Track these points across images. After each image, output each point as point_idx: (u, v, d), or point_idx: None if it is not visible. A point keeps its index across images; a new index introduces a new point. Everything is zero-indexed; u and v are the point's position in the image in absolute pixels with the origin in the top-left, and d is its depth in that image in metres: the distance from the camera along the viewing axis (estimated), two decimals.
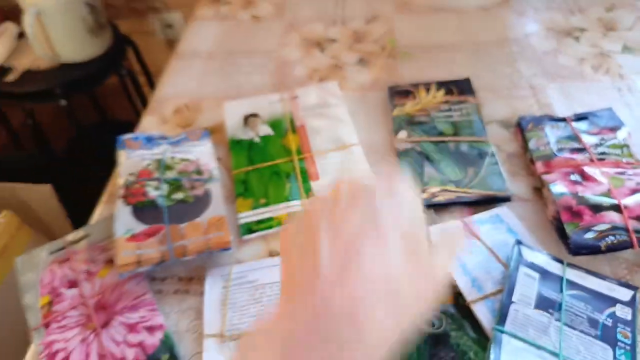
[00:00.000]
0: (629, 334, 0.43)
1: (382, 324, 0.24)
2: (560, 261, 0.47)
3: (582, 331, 0.42)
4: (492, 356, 0.40)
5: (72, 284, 0.51)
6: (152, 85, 1.49)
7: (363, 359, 0.23)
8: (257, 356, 0.23)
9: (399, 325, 0.25)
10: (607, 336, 0.42)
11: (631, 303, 0.45)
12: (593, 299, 0.44)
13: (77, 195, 0.90)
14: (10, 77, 1.17)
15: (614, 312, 0.44)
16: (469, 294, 0.44)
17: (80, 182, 0.99)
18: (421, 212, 0.29)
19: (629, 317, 0.44)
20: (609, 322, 0.43)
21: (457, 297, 0.45)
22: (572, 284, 0.45)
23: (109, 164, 0.61)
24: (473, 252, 0.47)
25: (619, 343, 0.42)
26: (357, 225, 0.26)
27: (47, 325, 0.48)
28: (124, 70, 1.29)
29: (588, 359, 0.41)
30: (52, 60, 1.15)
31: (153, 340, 0.46)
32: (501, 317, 0.42)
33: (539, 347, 0.41)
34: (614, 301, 0.45)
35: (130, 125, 0.70)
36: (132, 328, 0.47)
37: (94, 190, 0.62)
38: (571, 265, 0.47)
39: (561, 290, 0.44)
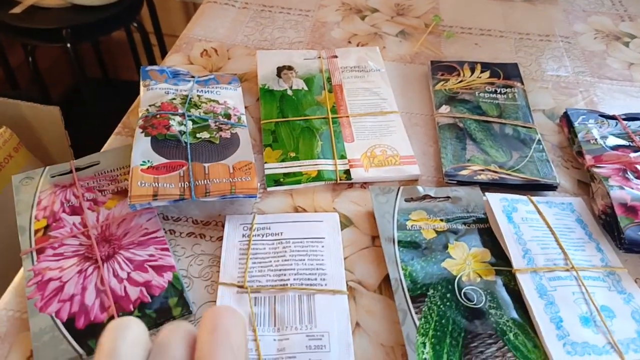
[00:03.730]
0: None
1: None
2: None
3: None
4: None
5: (74, 211, 0.46)
6: (162, 46, 1.42)
7: None
8: None
9: None
10: None
11: None
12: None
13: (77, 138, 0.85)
14: (16, 9, 1.10)
15: None
16: (517, 263, 0.41)
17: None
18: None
19: None
20: None
21: (501, 272, 0.41)
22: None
23: (108, 120, 0.54)
24: (533, 226, 0.43)
25: None
26: None
27: (40, 251, 0.43)
28: (135, 23, 1.23)
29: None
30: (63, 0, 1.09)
31: (160, 282, 0.41)
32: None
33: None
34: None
35: (133, 85, 0.62)
36: (138, 265, 0.42)
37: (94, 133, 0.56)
38: None
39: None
